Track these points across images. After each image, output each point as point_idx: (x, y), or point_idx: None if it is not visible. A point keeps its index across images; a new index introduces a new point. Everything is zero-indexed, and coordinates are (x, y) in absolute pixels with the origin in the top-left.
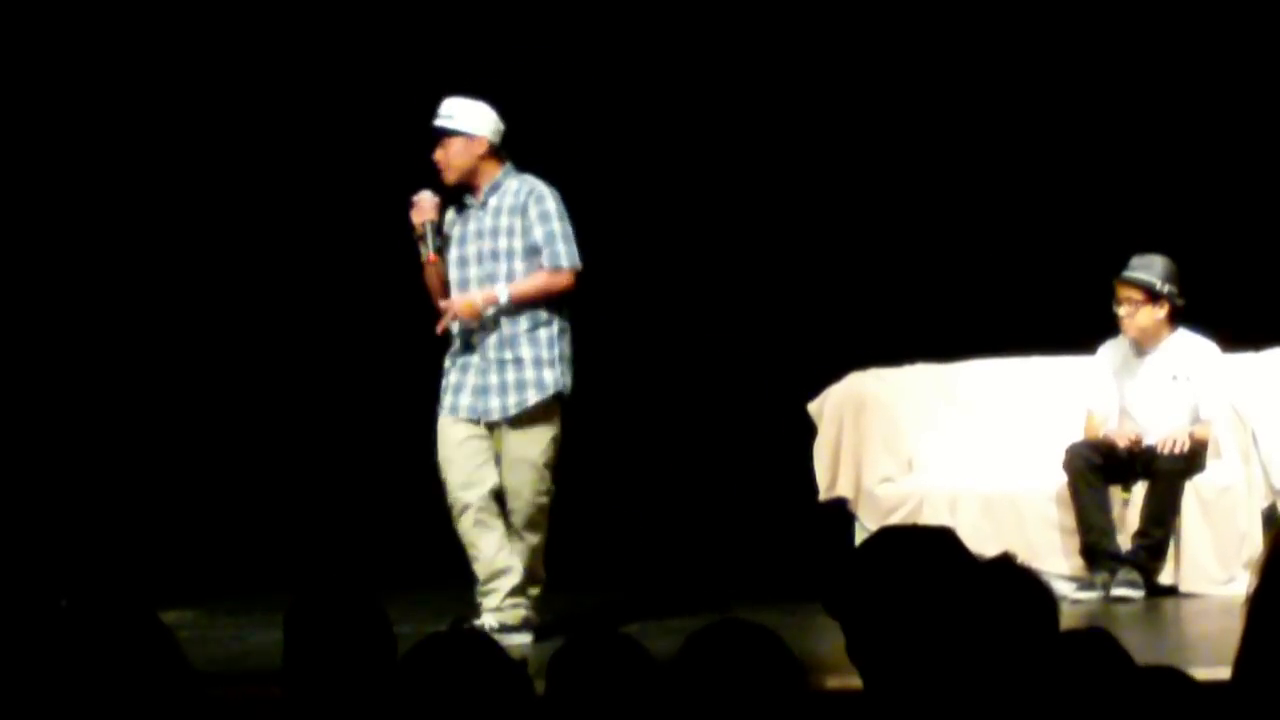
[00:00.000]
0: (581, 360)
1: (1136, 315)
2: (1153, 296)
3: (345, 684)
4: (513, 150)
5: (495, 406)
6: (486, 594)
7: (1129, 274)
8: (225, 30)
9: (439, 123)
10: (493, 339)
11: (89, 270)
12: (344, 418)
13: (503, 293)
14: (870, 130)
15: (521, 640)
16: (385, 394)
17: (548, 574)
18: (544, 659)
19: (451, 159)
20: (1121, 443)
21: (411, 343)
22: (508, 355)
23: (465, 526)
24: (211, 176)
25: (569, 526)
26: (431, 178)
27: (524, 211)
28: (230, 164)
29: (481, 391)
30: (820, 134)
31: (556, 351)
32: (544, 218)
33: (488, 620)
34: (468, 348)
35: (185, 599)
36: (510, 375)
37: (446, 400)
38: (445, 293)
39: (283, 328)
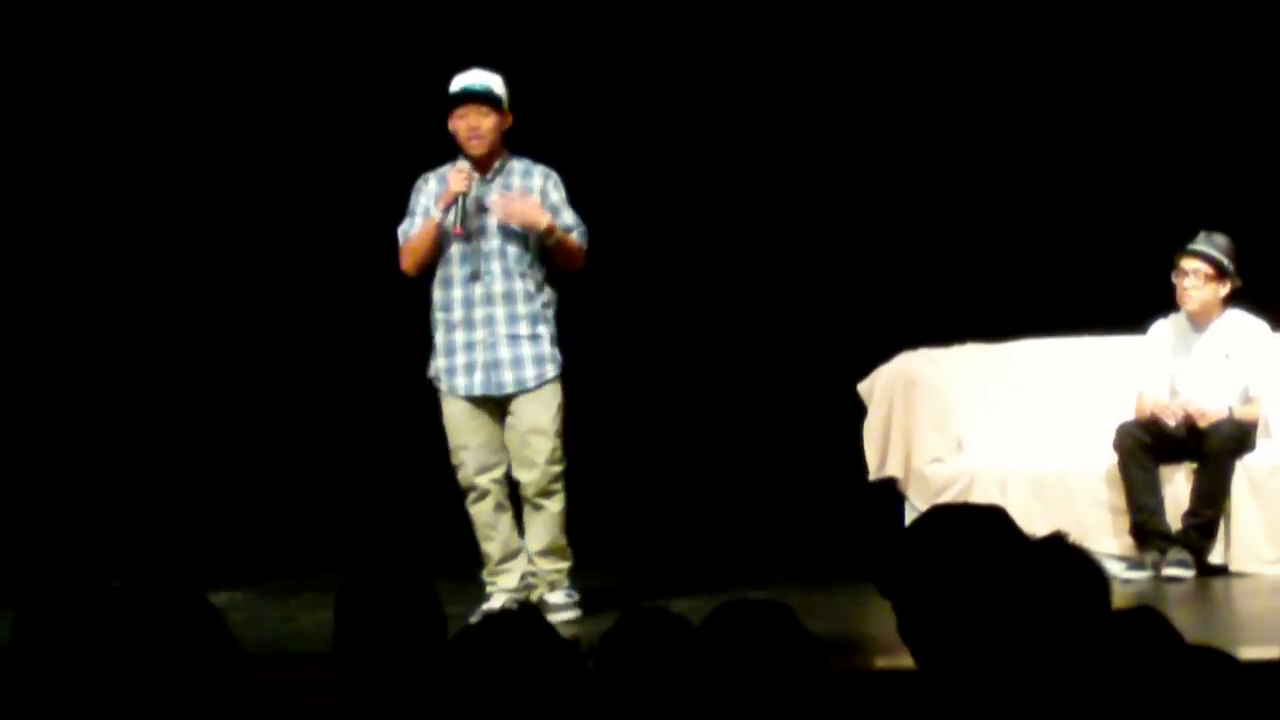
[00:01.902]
0: (637, 342)
1: (1201, 289)
2: (1220, 273)
3: (396, 664)
4: (538, 136)
5: (510, 380)
6: (501, 574)
7: (1198, 246)
8: (226, 29)
9: (480, 86)
10: (502, 314)
11: (128, 258)
12: (396, 397)
13: (554, 227)
14: (924, 108)
15: None
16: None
17: (577, 551)
18: (592, 638)
19: (487, 129)
20: (1171, 420)
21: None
22: (523, 331)
23: (484, 509)
24: (216, 168)
25: (626, 505)
26: (416, 155)
27: (544, 193)
28: (233, 154)
29: (494, 366)
30: (873, 111)
31: (556, 329)
32: (565, 201)
33: (501, 601)
34: (469, 327)
35: (236, 580)
36: (527, 350)
37: (458, 381)
38: (434, 257)
39: (334, 308)
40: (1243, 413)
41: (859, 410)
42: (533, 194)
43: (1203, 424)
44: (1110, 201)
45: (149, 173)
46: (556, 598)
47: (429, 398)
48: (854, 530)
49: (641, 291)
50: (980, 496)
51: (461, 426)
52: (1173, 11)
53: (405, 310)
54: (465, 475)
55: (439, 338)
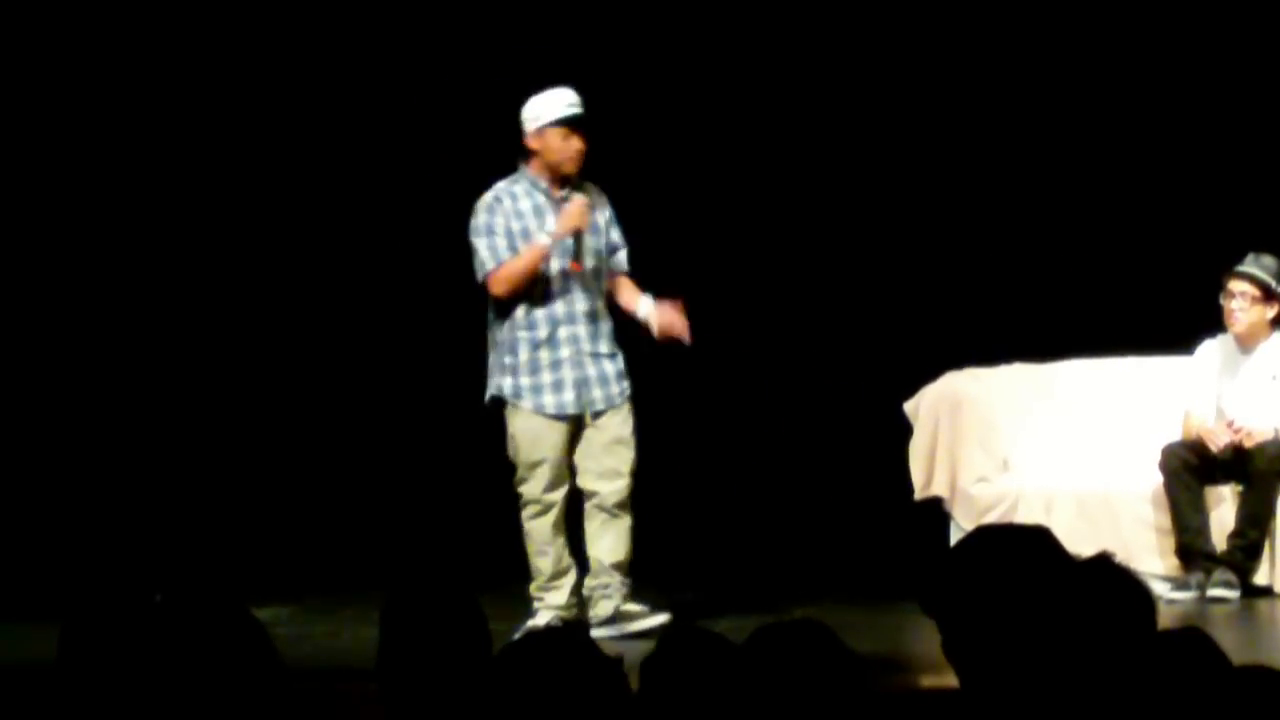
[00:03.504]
0: (687, 361)
1: (1249, 311)
2: (1267, 295)
3: (440, 681)
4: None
5: (600, 396)
6: (551, 590)
7: (1246, 268)
8: (235, 28)
9: (582, 109)
10: (585, 333)
11: (152, 268)
12: (443, 413)
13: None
14: (974, 127)
15: None
16: (476, 392)
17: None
18: (636, 657)
19: (583, 153)
20: (1216, 445)
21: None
22: (604, 349)
23: (545, 525)
24: (248, 171)
25: (672, 524)
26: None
27: (603, 211)
28: (256, 158)
29: (583, 384)
30: (923, 130)
31: None
32: (616, 219)
33: (548, 617)
34: (554, 345)
35: (281, 595)
36: (609, 367)
37: (545, 400)
38: (528, 282)
39: (384, 321)
40: None
41: (905, 429)
42: (607, 212)
43: (1249, 444)
44: (1158, 222)
45: (180, 186)
46: (637, 607)
47: (476, 414)
48: (899, 549)
49: (691, 308)
50: (1025, 516)
51: (540, 442)
52: (1228, 33)
53: (452, 325)
54: (533, 490)
55: (522, 355)
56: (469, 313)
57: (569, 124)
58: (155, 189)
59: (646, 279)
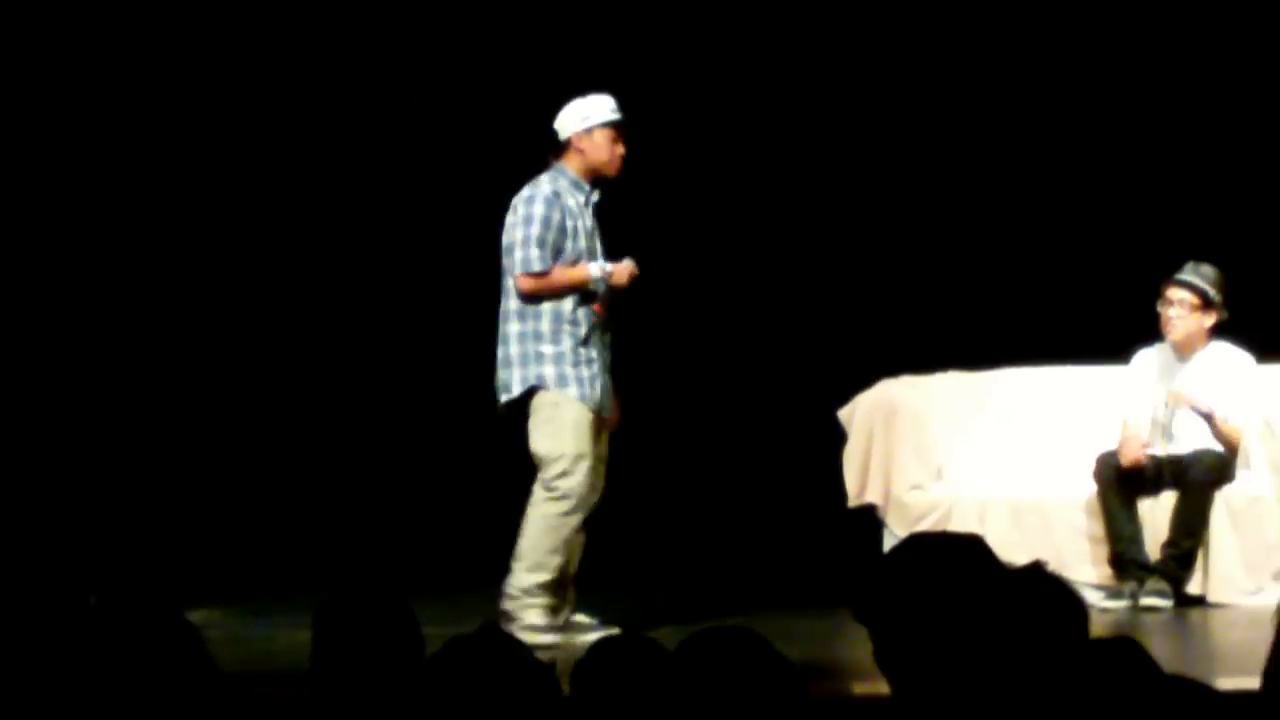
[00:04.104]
0: (623, 366)
1: (1186, 319)
2: (1205, 303)
3: (372, 685)
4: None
5: (608, 408)
6: (544, 595)
7: (1185, 277)
8: (238, 27)
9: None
10: (606, 346)
11: (113, 266)
12: (375, 418)
13: None
14: (904, 136)
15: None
16: (415, 396)
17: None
18: (569, 661)
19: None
20: (1126, 458)
21: (443, 345)
22: (609, 360)
23: (572, 524)
24: (250, 165)
25: (605, 529)
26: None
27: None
28: (260, 153)
29: (605, 392)
30: (854, 139)
31: None
32: None
33: (537, 619)
34: (589, 345)
35: (214, 598)
36: (610, 387)
37: (588, 391)
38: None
39: (315, 325)
40: (1224, 430)
41: (839, 436)
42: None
43: (1188, 406)
44: (1094, 231)
45: (182, 178)
46: (589, 619)
47: (412, 419)
48: (832, 557)
49: (626, 316)
50: (959, 524)
51: (587, 435)
52: (1167, 42)
53: (395, 324)
54: (574, 484)
55: (565, 344)
56: (414, 313)
57: (617, 128)
58: (162, 182)
59: None
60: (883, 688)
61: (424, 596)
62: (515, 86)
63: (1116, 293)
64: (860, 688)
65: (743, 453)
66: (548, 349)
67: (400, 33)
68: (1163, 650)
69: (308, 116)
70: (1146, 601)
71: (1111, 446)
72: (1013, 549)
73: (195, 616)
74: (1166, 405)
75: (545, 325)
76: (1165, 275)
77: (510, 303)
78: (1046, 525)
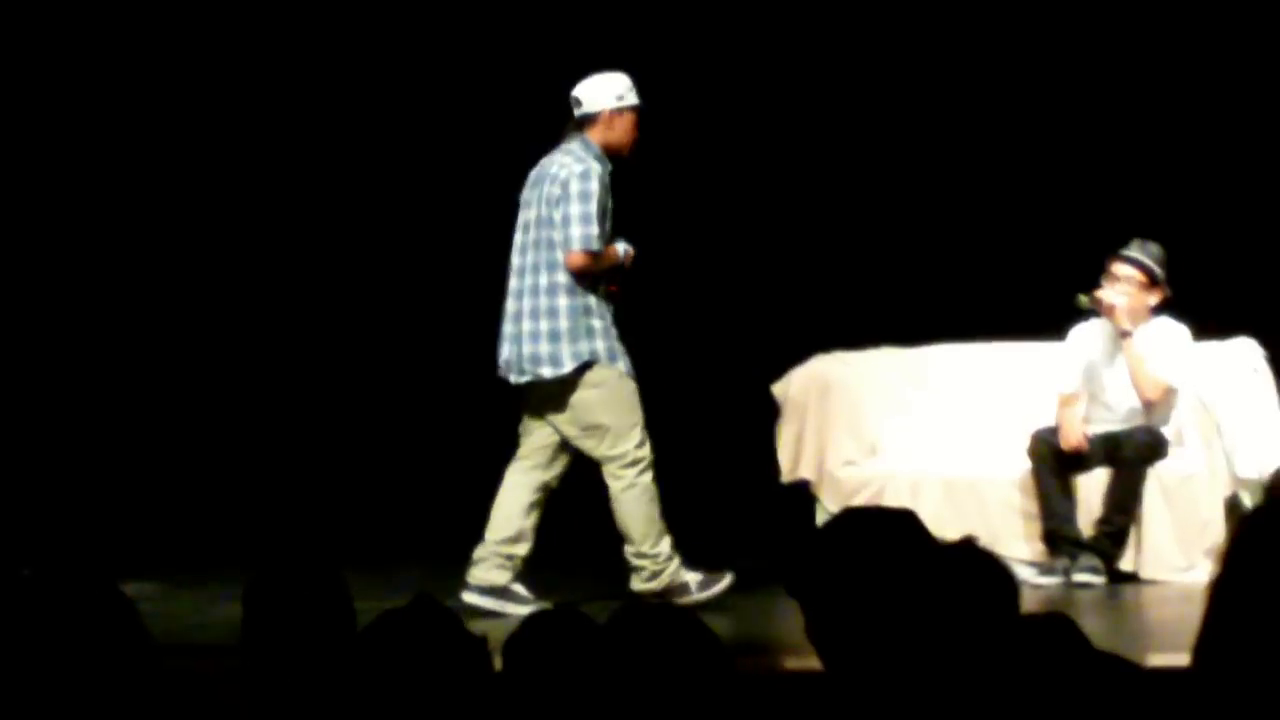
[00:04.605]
0: None
1: (1131, 296)
2: (1151, 281)
3: (304, 658)
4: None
5: None
6: (666, 542)
7: (1131, 253)
8: (236, 12)
9: None
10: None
11: (55, 246)
12: (305, 391)
13: None
14: (840, 113)
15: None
16: (347, 369)
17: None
18: (501, 635)
19: None
20: (1067, 443)
21: (373, 318)
22: None
23: (651, 479)
24: (249, 149)
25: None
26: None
27: None
28: (258, 135)
29: None
30: (789, 116)
31: None
32: None
33: (689, 576)
34: (615, 321)
35: (146, 571)
36: None
37: (626, 364)
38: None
39: (243, 304)
40: (1150, 378)
41: (773, 411)
42: None
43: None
44: (1032, 206)
45: (149, 168)
46: (528, 592)
47: (344, 391)
48: (765, 532)
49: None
50: (893, 500)
51: (637, 402)
52: (1107, 16)
53: (324, 299)
54: (641, 448)
55: (608, 318)
56: (344, 284)
57: (637, 111)
58: (157, 164)
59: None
60: (814, 663)
61: (356, 569)
62: (499, 69)
63: (1053, 269)
64: (792, 663)
65: (676, 427)
66: (597, 323)
67: (390, 13)
68: (1095, 627)
69: (299, 92)
70: (1079, 578)
71: (1047, 423)
72: (946, 525)
73: (128, 589)
74: (1083, 303)
75: (593, 300)
76: (1102, 252)
77: (559, 276)
78: (980, 502)
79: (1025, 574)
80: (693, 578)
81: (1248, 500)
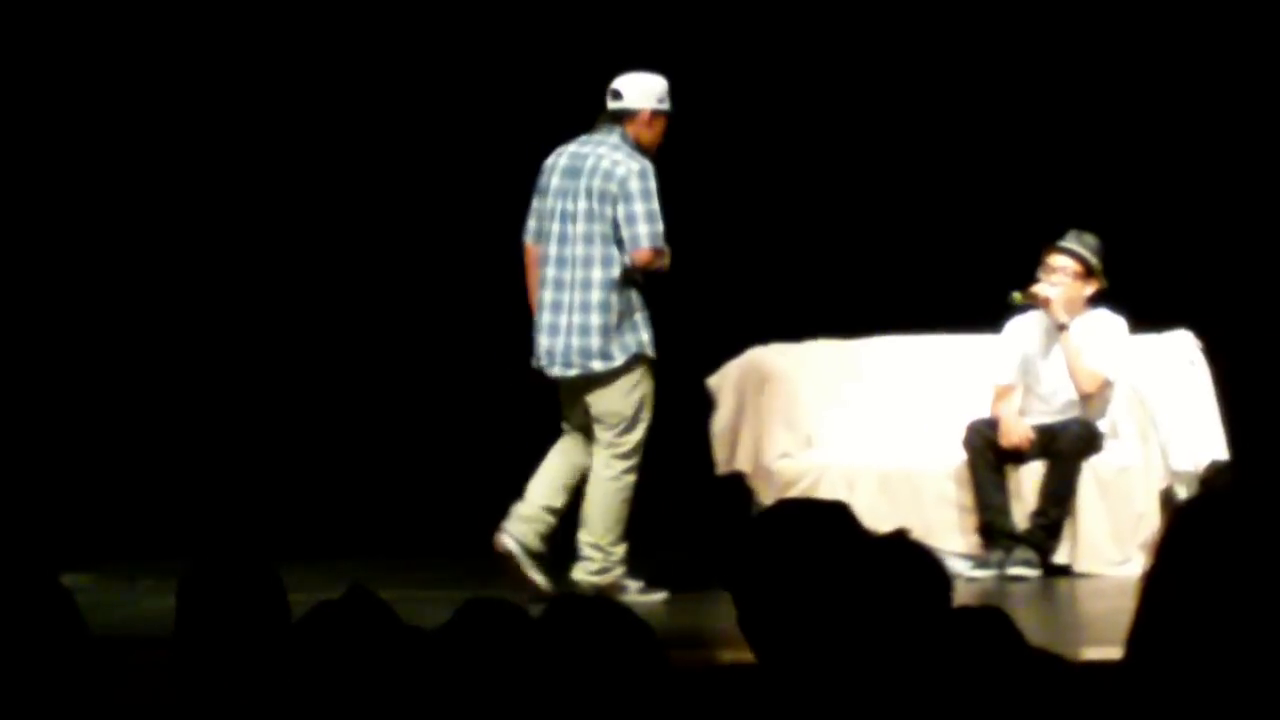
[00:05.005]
0: (485, 331)
1: (1067, 287)
2: (1087, 272)
3: (237, 650)
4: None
5: None
6: (621, 546)
7: (1068, 244)
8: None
9: None
10: None
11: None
12: (239, 382)
13: None
14: (775, 105)
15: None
16: (279, 359)
17: (427, 541)
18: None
19: None
20: (1007, 439)
21: (315, 308)
22: None
23: (633, 484)
24: (260, 132)
25: (474, 496)
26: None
27: None
28: (269, 116)
29: None
30: (721, 107)
31: None
32: None
33: (631, 582)
34: None
35: (80, 563)
36: None
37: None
38: None
39: (181, 290)
40: (1085, 370)
41: (708, 404)
42: None
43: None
44: (968, 199)
45: (137, 163)
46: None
47: (280, 378)
48: (700, 524)
49: (494, 280)
50: (828, 493)
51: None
52: (1042, 6)
53: (264, 296)
54: (640, 451)
55: (647, 312)
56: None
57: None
58: (169, 146)
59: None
60: (747, 655)
61: (290, 561)
62: (504, 56)
63: (990, 261)
64: (726, 655)
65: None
66: (639, 316)
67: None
68: (1030, 620)
69: (312, 77)
70: (1014, 571)
71: (982, 415)
72: (881, 518)
73: (65, 581)
74: (1017, 300)
75: (635, 295)
76: (1038, 244)
77: (614, 270)
78: (915, 494)
79: (960, 567)
80: (634, 584)
81: (1183, 493)
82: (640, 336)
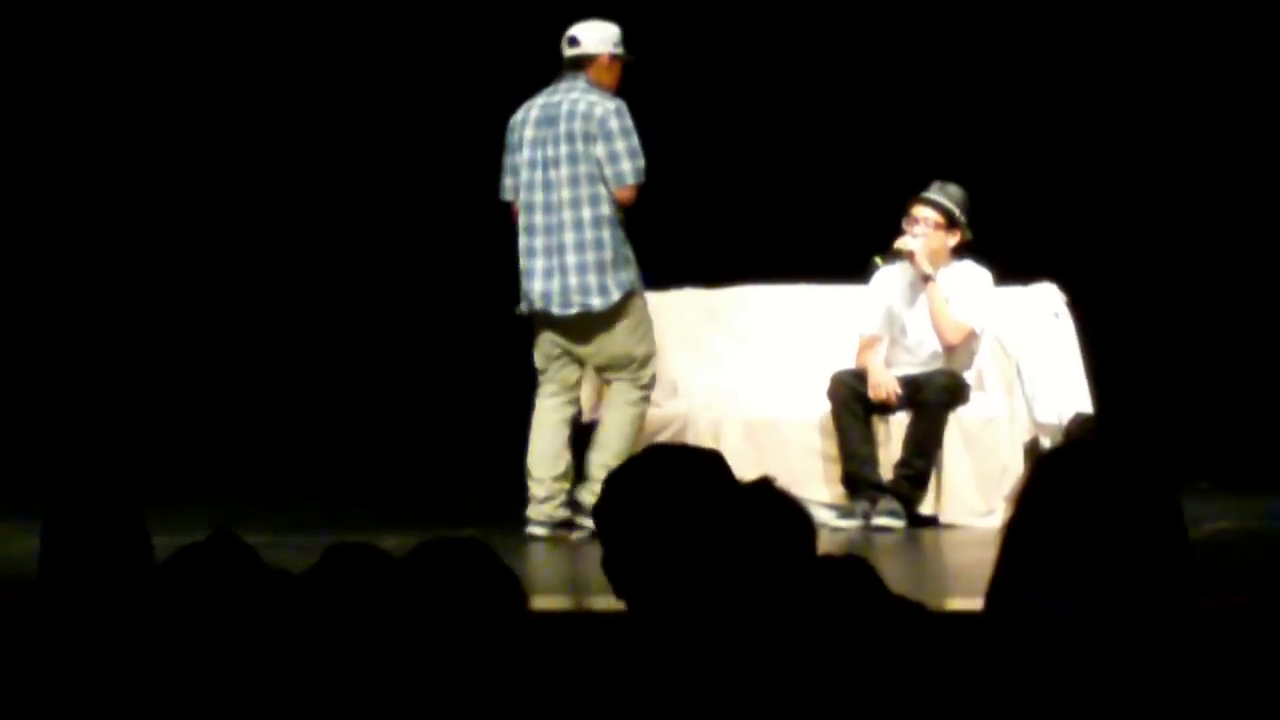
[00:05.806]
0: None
1: (931, 237)
2: (950, 222)
3: (101, 594)
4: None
5: None
6: None
7: (931, 195)
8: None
9: None
10: None
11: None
12: (104, 320)
13: None
14: (645, 48)
15: None
16: (154, 301)
17: (297, 485)
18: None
19: None
20: (875, 394)
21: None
22: None
23: (644, 415)
24: (252, 102)
25: (333, 439)
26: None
27: None
28: (262, 88)
29: None
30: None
31: None
32: None
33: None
34: None
35: None
36: None
37: None
38: None
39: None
40: (951, 322)
41: None
42: None
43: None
44: (834, 148)
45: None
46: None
47: (143, 322)
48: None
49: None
50: (693, 441)
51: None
52: None
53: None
54: (654, 383)
55: (631, 249)
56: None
57: (628, 50)
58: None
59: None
60: (613, 603)
61: (153, 504)
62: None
63: (856, 211)
64: (598, 603)
65: (475, 367)
66: (628, 252)
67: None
68: (894, 570)
69: (302, 44)
70: (879, 521)
71: (848, 366)
72: (746, 467)
73: None
74: (879, 264)
75: (621, 232)
76: (904, 194)
77: (604, 208)
78: (781, 443)
79: (825, 517)
80: None
81: (1047, 445)
82: (630, 274)
